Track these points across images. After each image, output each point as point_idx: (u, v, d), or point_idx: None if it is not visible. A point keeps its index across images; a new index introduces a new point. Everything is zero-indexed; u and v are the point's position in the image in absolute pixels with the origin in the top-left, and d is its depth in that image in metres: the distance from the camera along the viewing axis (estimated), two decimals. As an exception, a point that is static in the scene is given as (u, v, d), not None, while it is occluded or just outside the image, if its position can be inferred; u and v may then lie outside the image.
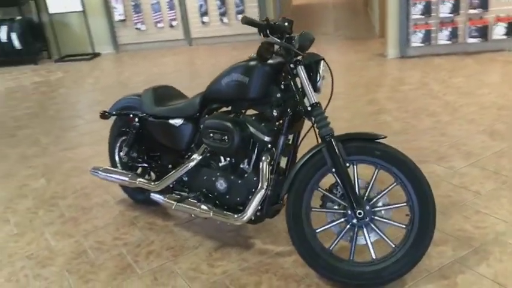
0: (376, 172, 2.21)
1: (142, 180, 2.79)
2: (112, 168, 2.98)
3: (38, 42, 8.39)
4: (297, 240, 2.23)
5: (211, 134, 2.44)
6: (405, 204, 2.20)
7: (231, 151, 2.40)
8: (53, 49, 8.46)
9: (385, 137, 2.19)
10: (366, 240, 2.22)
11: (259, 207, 2.38)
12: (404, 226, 2.19)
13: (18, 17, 8.04)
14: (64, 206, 3.23)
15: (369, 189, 2.22)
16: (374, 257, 2.19)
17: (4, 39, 7.92)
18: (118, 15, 8.14)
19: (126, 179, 2.86)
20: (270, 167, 2.34)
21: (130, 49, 8.37)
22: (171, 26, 8.10)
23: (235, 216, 2.41)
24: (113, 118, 3.05)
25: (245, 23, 2.15)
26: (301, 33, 2.28)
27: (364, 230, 2.21)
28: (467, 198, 2.83)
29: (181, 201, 2.54)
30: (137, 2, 8.07)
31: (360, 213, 2.16)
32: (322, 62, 2.27)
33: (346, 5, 12.80)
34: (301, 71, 2.20)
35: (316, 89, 2.26)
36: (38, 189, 3.51)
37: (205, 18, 8.01)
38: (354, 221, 2.19)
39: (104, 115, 2.93)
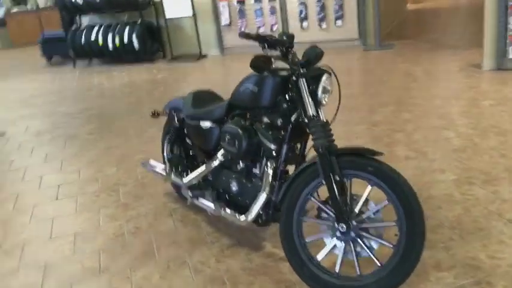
0: (369, 188, 2.23)
1: (175, 175, 3.09)
2: (156, 163, 3.32)
3: (155, 43, 9.27)
4: (287, 247, 2.33)
5: (226, 138, 2.63)
6: (394, 223, 2.19)
7: (239, 155, 2.58)
8: (167, 50, 9.27)
9: (381, 154, 2.20)
10: (352, 255, 2.25)
11: (265, 211, 2.53)
12: (391, 246, 2.18)
13: (139, 21, 8.96)
14: (122, 192, 3.66)
15: (359, 205, 2.25)
16: (358, 273, 2.21)
17: (126, 40, 8.89)
18: (224, 20, 8.66)
19: (164, 173, 3.17)
20: (273, 173, 2.47)
21: (234, 52, 8.84)
22: (272, 30, 8.39)
23: (240, 217, 2.58)
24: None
25: (243, 37, 2.30)
26: (309, 47, 2.37)
27: (351, 245, 2.24)
28: (497, 226, 2.65)
29: (197, 197, 2.78)
30: (242, 8, 8.50)
31: (342, 227, 2.20)
32: (325, 75, 2.33)
33: (467, 10, 11.99)
34: (302, 83, 2.29)
35: (317, 102, 2.34)
36: (108, 176, 4.01)
37: (305, 24, 8.16)
38: (338, 234, 2.23)
39: (154, 114, 3.27)
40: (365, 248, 2.21)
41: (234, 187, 2.70)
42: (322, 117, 2.42)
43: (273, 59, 2.37)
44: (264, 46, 2.31)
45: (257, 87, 2.47)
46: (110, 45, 9.05)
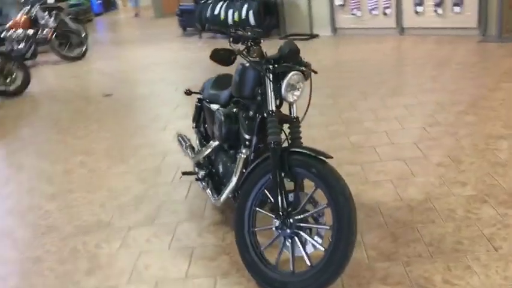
0: (314, 189, 2.27)
1: (189, 152, 3.37)
2: (183, 138, 3.62)
3: (272, 20, 9.53)
4: (236, 231, 2.49)
5: (214, 122, 2.83)
6: (329, 227, 2.20)
7: (221, 139, 2.77)
8: (281, 28, 9.47)
9: (330, 157, 2.22)
10: (290, 251, 2.32)
11: (233, 195, 2.70)
12: (323, 249, 2.21)
13: (258, -2, 9.27)
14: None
15: (302, 204, 2.30)
16: (292, 270, 2.29)
17: (244, 16, 9.30)
18: (337, 0, 8.51)
19: (183, 148, 3.47)
20: (244, 161, 2.61)
21: (345, 33, 8.69)
22: (385, 14, 8.02)
23: (214, 198, 2.79)
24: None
25: (208, 30, 2.44)
26: (284, 43, 2.43)
27: (289, 240, 2.31)
28: (477, 251, 2.47)
29: (188, 174, 3.03)
30: (357, -12, 8.28)
31: (279, 223, 2.28)
32: (292, 73, 2.36)
33: None
34: (267, 79, 2.38)
35: (282, 98, 2.39)
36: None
37: (419, 8, 7.65)
38: (274, 228, 2.32)
39: (186, 92, 3.57)
40: (300, 246, 2.28)
41: (221, 169, 2.90)
42: (294, 114, 2.49)
43: (239, 53, 2.48)
44: (230, 41, 2.43)
45: (239, 78, 2.60)
46: (230, 20, 9.55)
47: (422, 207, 2.91)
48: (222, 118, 2.71)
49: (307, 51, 7.86)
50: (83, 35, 10.05)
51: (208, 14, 9.98)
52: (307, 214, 2.29)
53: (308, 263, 2.24)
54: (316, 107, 4.89)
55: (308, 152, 2.26)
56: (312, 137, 4.08)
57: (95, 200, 3.57)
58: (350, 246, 2.12)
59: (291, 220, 2.28)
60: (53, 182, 4.00)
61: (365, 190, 3.21)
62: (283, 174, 2.29)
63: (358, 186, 3.27)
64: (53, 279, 2.69)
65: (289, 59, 2.42)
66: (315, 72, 2.75)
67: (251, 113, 2.57)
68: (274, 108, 2.38)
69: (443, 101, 4.71)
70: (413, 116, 4.43)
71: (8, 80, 7.14)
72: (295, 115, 2.49)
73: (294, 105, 2.48)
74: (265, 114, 2.41)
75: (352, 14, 8.49)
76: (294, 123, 2.48)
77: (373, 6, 8.19)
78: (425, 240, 2.60)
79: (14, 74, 7.18)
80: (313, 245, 2.25)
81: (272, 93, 2.38)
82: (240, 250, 2.45)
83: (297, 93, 2.41)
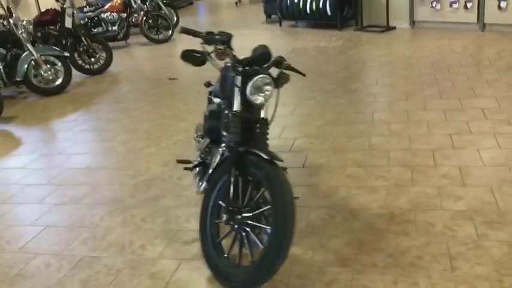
0: (263, 189, 2.38)
1: (196, 141, 3.58)
2: (197, 127, 3.82)
3: (348, 11, 9.36)
4: (200, 221, 2.65)
5: (206, 115, 3.01)
6: (269, 228, 2.30)
7: (206, 133, 2.94)
8: (359, 19, 9.26)
9: (281, 161, 2.32)
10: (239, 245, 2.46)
11: None
12: (262, 247, 2.32)
13: (338, -13, 9.14)
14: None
15: (251, 202, 2.42)
16: (237, 263, 2.43)
17: (321, 6, 9.25)
18: (417, -8, 8.12)
19: (194, 136, 3.69)
20: (220, 156, 2.77)
21: (423, 27, 8.27)
22: (466, 7, 7.50)
23: (197, 187, 2.99)
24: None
25: (182, 32, 2.57)
26: (257, 47, 2.54)
27: (239, 235, 2.45)
28: (433, 269, 2.43)
29: (182, 162, 3.24)
30: (438, -20, 7.82)
31: (223, 217, 2.42)
32: (258, 76, 2.46)
33: None
34: (236, 80, 2.51)
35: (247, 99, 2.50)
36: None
37: (503, 3, 7.05)
38: (223, 221, 2.46)
39: (206, 84, 3.77)
40: (245, 241, 2.40)
41: (210, 160, 3.08)
42: (264, 115, 2.59)
43: (207, 55, 2.63)
44: (201, 42, 2.58)
45: (220, 77, 2.76)
46: (308, 9, 9.55)
47: (403, 218, 2.87)
48: (206, 114, 2.89)
49: (374, 45, 7.77)
50: (173, 20, 10.70)
51: (288, 2, 10.07)
52: (254, 213, 2.40)
53: (250, 257, 2.36)
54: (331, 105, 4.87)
55: (261, 154, 2.37)
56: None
57: (118, 177, 3.96)
58: (282, 247, 2.21)
59: (239, 216, 2.41)
60: (91, 157, 4.48)
61: (357, 194, 3.21)
62: (237, 173, 2.42)
63: (352, 190, 3.28)
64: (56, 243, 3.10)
65: (260, 63, 2.52)
66: (303, 75, 2.82)
67: (227, 111, 2.72)
68: (238, 108, 2.50)
69: (489, 107, 4.42)
70: (444, 121, 4.23)
71: (92, 59, 7.89)
72: (264, 117, 2.59)
73: (265, 108, 2.58)
74: (229, 114, 2.55)
75: (432, 7, 8.06)
76: (262, 124, 2.59)
77: (453, 0, 7.71)
78: (388, 251, 2.59)
79: (98, 54, 7.91)
80: (255, 242, 2.37)
81: (238, 94, 2.50)
82: (201, 239, 2.63)
83: (262, 95, 2.50)
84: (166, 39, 10.31)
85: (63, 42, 7.79)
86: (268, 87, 2.51)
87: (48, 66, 6.76)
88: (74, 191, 3.77)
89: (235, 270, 2.40)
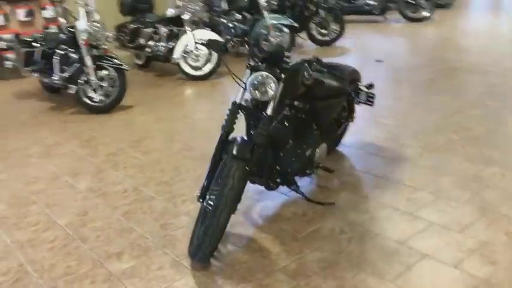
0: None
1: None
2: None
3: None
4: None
5: None
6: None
7: None
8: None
9: (243, 161, 2.59)
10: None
11: None
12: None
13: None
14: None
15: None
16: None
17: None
18: None
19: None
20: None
21: None
22: None
23: None
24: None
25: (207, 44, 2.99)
26: (269, 45, 2.86)
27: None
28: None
29: None
30: None
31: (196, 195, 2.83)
32: (255, 73, 2.65)
33: None
34: (247, 73, 2.74)
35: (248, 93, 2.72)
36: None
37: None
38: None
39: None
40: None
41: None
42: (266, 109, 2.70)
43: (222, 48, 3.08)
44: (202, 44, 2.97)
45: None
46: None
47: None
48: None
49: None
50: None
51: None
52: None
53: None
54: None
55: (235, 148, 2.58)
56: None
57: (148, 160, 4.13)
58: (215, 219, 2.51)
59: (207, 197, 2.65)
60: (136, 139, 4.64)
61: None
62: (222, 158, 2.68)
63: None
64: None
65: (271, 59, 2.73)
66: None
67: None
68: (237, 101, 2.76)
69: None
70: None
71: (324, 31, 8.31)
72: (266, 111, 2.68)
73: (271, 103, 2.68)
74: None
75: None
76: (263, 120, 2.68)
77: None
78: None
79: (330, 26, 8.24)
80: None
81: (241, 88, 2.75)
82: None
83: (263, 91, 2.64)
84: (422, 19, 9.76)
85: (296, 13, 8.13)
86: (270, 85, 2.64)
87: (277, 33, 7.58)
88: (103, 182, 3.77)
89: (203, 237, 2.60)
